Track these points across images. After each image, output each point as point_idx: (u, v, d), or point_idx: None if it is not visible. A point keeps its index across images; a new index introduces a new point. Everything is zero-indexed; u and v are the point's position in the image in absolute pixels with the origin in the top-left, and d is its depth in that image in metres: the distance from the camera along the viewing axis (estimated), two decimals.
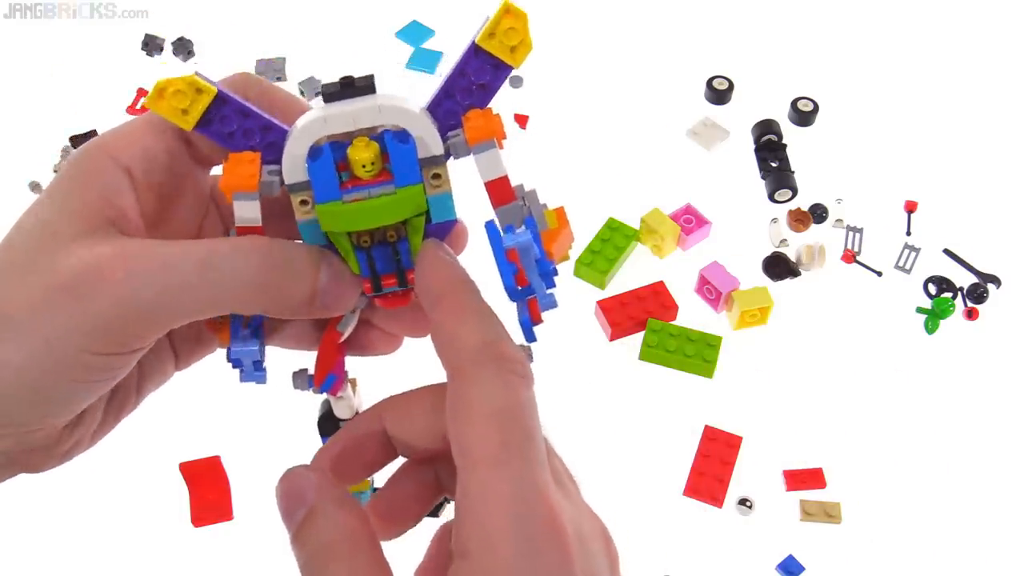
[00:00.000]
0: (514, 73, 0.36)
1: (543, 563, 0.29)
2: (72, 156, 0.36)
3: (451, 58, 1.21)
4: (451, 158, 0.36)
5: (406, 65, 1.18)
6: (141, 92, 1.14)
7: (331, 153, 0.34)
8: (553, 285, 0.36)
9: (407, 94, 0.36)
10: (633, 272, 1.01)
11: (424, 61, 1.18)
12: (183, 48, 1.17)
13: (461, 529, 0.30)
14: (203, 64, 1.18)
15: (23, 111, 1.12)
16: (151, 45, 1.18)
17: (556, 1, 1.21)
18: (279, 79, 1.15)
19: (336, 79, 0.35)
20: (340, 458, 0.36)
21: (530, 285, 0.36)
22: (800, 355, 0.95)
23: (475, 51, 0.35)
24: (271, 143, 0.36)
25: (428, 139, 0.35)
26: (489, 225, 0.37)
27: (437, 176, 0.35)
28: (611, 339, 0.96)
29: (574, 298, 0.98)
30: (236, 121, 0.35)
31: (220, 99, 0.35)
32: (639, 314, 0.96)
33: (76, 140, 1.10)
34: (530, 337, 0.37)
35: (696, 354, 0.92)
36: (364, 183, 0.35)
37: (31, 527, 0.83)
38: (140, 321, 0.33)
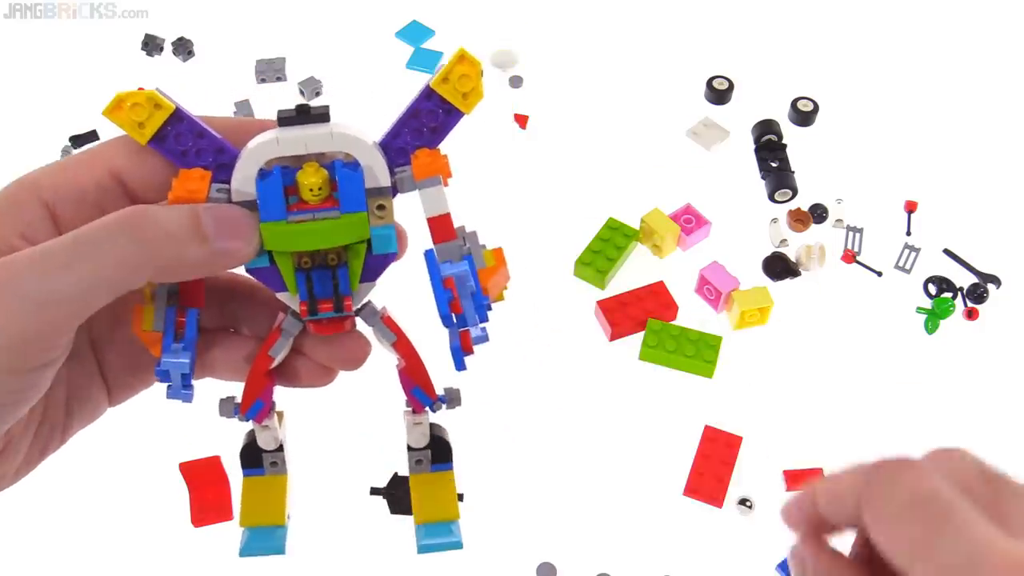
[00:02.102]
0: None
1: None
2: (2, 189, 0.36)
3: (451, 56, 1.21)
4: (398, 193, 0.37)
5: (406, 65, 1.18)
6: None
7: (280, 174, 0.35)
8: (486, 320, 0.38)
9: (361, 125, 0.36)
10: (633, 272, 1.01)
11: (424, 61, 1.18)
12: (183, 48, 1.17)
13: None
14: (203, 64, 1.18)
15: (23, 111, 1.12)
16: (151, 45, 1.18)
17: (556, 1, 1.22)
18: (279, 79, 1.15)
19: (293, 106, 0.36)
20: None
21: (464, 316, 0.37)
22: (800, 355, 0.95)
23: (428, 94, 0.36)
24: (223, 164, 0.36)
25: (376, 170, 0.36)
26: (428, 253, 0.38)
27: (382, 207, 0.36)
28: (611, 339, 0.96)
29: (574, 298, 0.98)
30: (191, 140, 0.36)
31: (177, 117, 0.36)
32: (639, 314, 0.96)
33: (76, 140, 1.10)
34: (459, 365, 0.38)
35: (696, 354, 0.92)
36: (310, 207, 0.36)
37: (31, 527, 0.83)
38: (34, 319, 0.31)
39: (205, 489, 0.84)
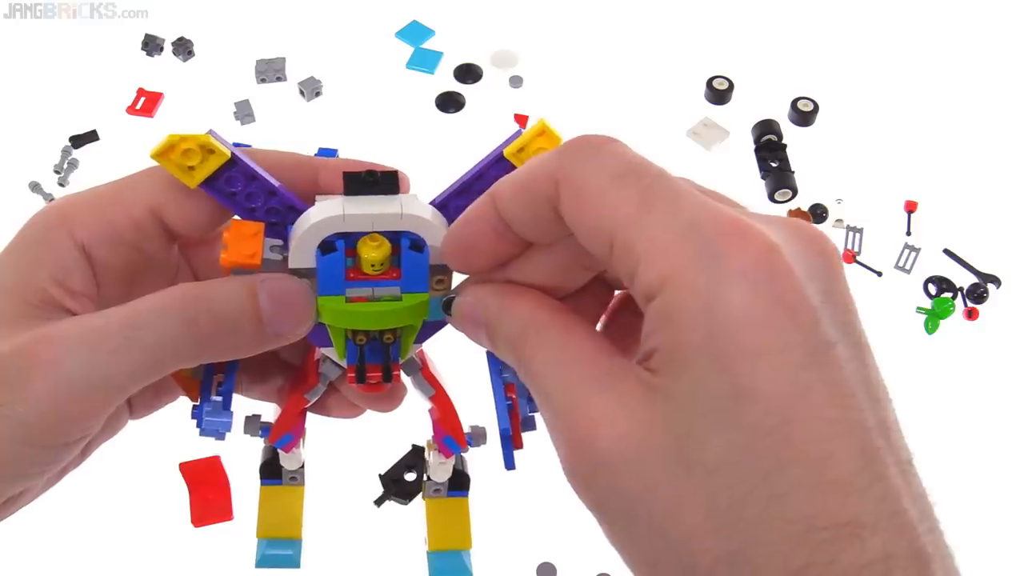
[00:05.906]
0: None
1: (728, 263, 0.25)
2: (30, 221, 0.34)
3: (451, 56, 1.21)
4: None
5: (406, 65, 1.18)
6: (141, 92, 1.14)
7: (344, 249, 0.33)
8: (536, 410, 0.36)
9: (420, 197, 0.35)
10: None
11: (424, 61, 1.18)
12: (183, 48, 1.17)
13: (638, 278, 0.26)
14: (203, 64, 1.18)
15: (23, 111, 1.12)
16: (151, 45, 1.18)
17: (556, 1, 1.22)
18: (279, 79, 1.15)
19: (361, 172, 0.34)
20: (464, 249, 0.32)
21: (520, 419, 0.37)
22: None
23: (499, 159, 0.35)
24: (273, 208, 0.34)
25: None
26: (491, 354, 0.36)
27: (441, 281, 0.35)
28: None
29: None
30: (242, 183, 0.34)
31: (230, 162, 0.33)
32: None
33: (76, 140, 1.10)
34: (509, 464, 0.37)
35: None
36: (370, 278, 0.34)
37: (31, 527, 0.83)
38: (76, 402, 0.30)
39: (205, 489, 0.84)
